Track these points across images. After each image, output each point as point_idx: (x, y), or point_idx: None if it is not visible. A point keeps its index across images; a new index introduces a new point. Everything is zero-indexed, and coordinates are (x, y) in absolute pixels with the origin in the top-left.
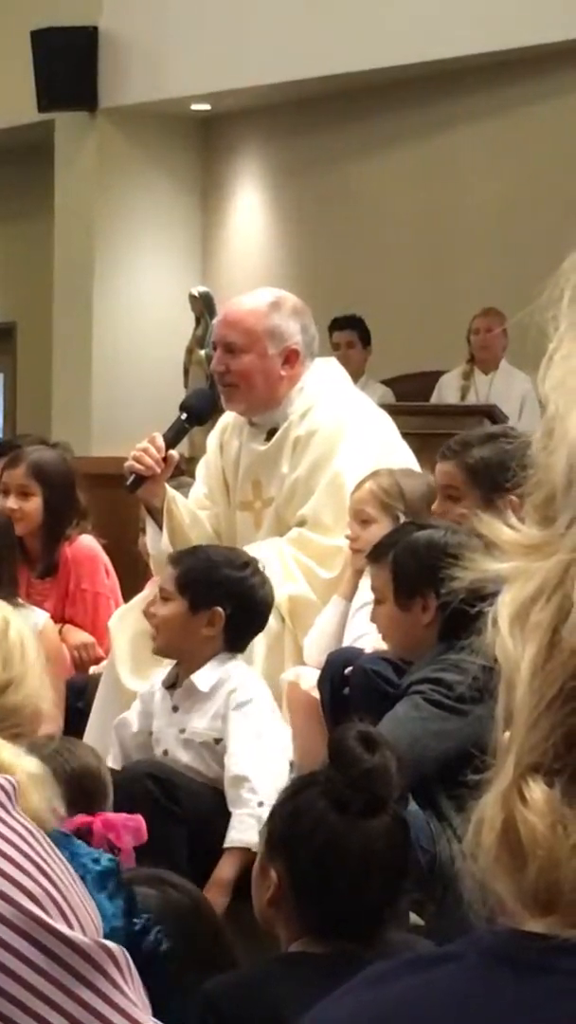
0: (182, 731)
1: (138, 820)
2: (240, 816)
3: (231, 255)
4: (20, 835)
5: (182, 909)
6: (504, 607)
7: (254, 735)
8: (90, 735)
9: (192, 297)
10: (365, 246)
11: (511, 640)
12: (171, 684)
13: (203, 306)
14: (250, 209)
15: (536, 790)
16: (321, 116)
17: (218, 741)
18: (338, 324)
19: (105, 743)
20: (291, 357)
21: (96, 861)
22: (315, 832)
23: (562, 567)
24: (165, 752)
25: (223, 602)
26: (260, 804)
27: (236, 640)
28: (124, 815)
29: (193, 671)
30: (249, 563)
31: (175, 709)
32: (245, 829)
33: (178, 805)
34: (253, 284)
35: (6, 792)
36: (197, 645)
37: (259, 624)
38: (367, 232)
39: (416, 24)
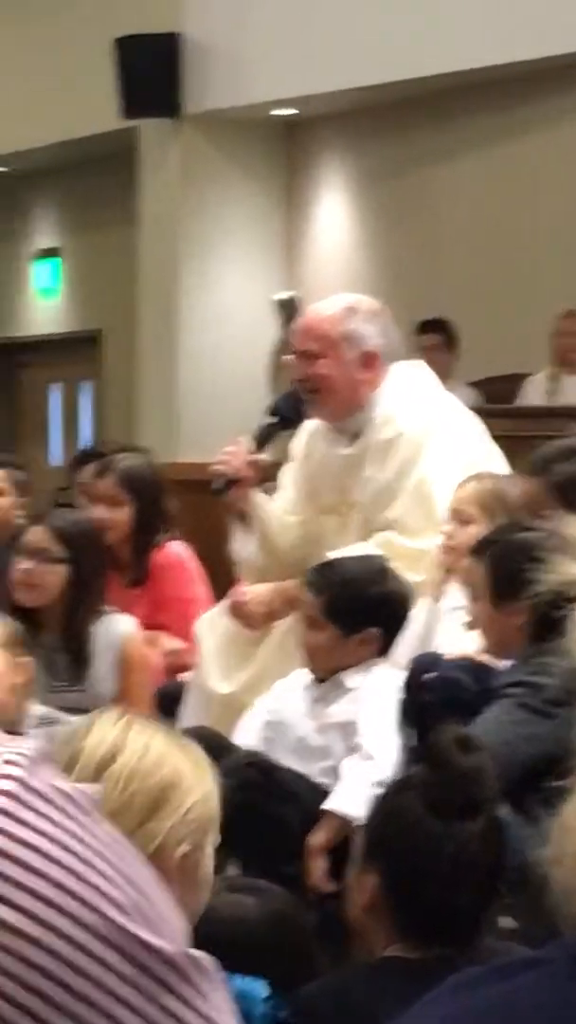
0: (319, 718)
1: None
2: (353, 785)
3: (316, 260)
4: (107, 844)
5: (277, 916)
6: None
7: (384, 718)
8: None
9: (277, 302)
10: (449, 249)
11: None
12: (321, 679)
13: (288, 311)
14: (334, 213)
15: None
16: (405, 119)
17: (350, 724)
18: (424, 327)
19: None
20: (370, 360)
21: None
22: (411, 835)
23: None
24: (300, 739)
25: (375, 622)
26: (377, 784)
27: (387, 646)
28: None
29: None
30: (385, 570)
31: (317, 700)
32: (353, 800)
33: (282, 787)
34: (338, 288)
35: (91, 801)
36: (352, 661)
37: (405, 623)
38: (451, 235)
39: (496, 27)
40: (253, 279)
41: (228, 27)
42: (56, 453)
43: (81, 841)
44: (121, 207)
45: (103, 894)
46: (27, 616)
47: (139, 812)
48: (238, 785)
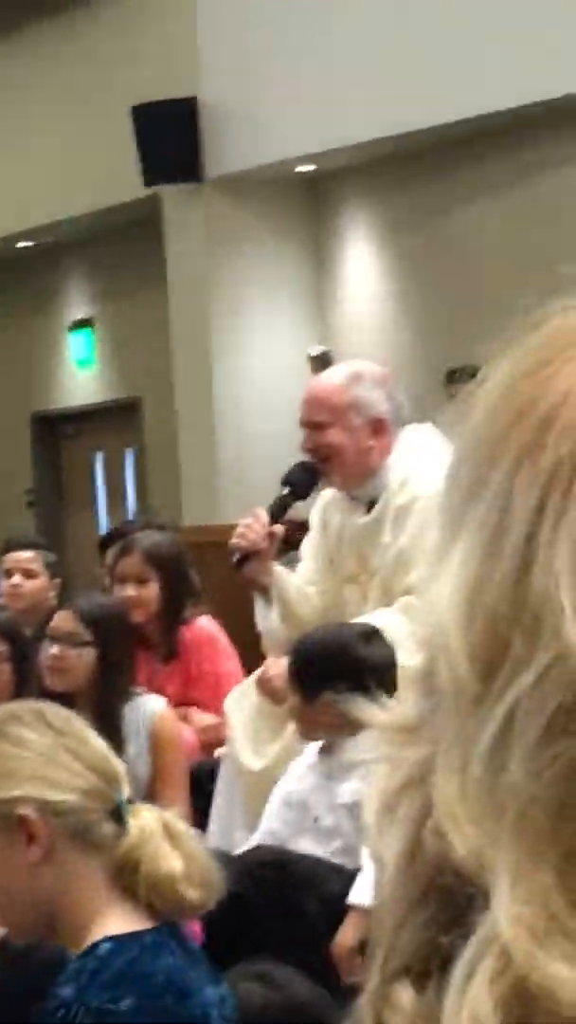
0: (333, 796)
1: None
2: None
3: (346, 313)
4: None
5: (280, 1008)
6: (371, 799)
7: None
8: (216, 817)
9: (311, 358)
10: (476, 294)
11: (378, 836)
12: (326, 749)
13: (323, 365)
14: (362, 265)
15: (403, 993)
16: (425, 167)
17: (358, 805)
18: (455, 376)
19: (231, 824)
20: (378, 427)
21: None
22: None
23: (425, 760)
24: (316, 819)
25: (335, 688)
26: None
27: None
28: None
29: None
30: (366, 636)
31: (329, 777)
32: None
33: (298, 890)
34: (370, 341)
35: None
36: (324, 726)
37: (389, 690)
38: (478, 280)
39: (514, 68)
40: (285, 336)
41: (243, 88)
42: (104, 523)
43: None
44: (150, 274)
45: None
46: (59, 701)
47: None
48: (255, 884)
